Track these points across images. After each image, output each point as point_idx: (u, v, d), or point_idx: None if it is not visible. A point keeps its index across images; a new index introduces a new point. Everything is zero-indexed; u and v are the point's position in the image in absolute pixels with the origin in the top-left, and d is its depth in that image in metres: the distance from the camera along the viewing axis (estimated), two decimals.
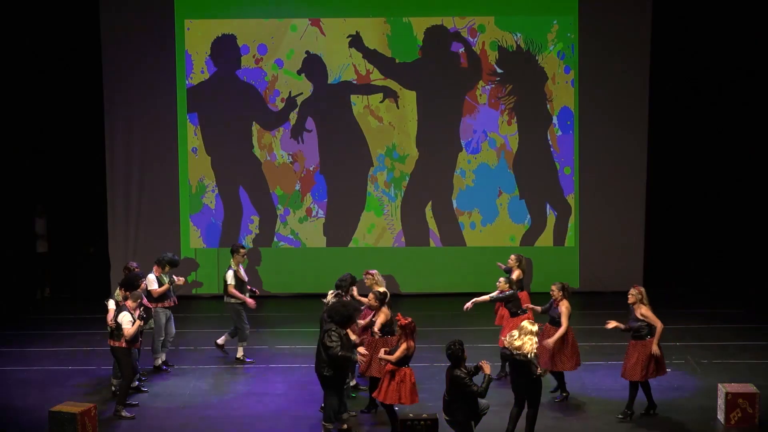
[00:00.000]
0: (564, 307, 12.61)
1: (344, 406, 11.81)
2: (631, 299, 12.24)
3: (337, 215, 19.10)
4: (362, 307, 13.02)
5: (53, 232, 19.23)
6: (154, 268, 14.30)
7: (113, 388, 13.08)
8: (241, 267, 14.77)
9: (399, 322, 11.56)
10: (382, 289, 12.92)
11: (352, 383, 13.20)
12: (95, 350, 15.12)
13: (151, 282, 14.15)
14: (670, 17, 18.39)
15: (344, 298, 12.91)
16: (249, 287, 14.77)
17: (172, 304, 14.34)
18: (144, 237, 18.99)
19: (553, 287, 12.77)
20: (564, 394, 12.85)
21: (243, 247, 15.02)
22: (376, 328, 12.36)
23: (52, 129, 18.83)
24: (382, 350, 11.67)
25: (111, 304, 12.90)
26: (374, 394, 11.84)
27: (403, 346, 11.43)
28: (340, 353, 11.29)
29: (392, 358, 11.40)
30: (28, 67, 18.60)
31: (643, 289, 12.32)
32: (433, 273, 19.03)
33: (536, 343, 11.15)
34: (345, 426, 11.74)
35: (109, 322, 12.61)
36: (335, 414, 11.61)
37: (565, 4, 18.61)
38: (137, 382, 13.23)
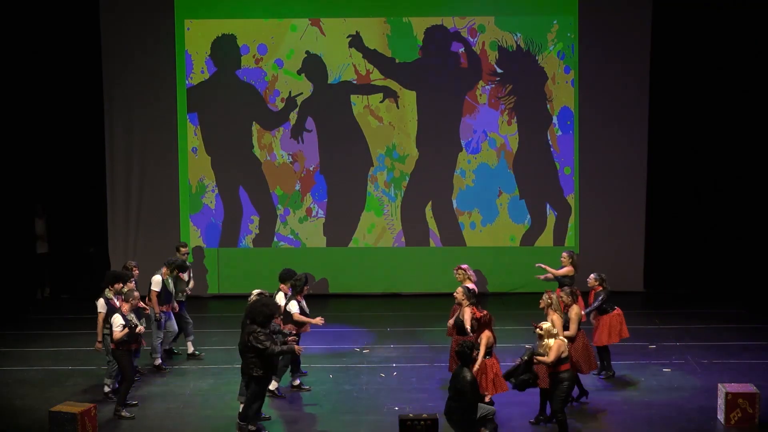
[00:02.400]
0: (574, 313, 12.62)
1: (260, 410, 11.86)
2: (541, 304, 12.20)
3: (337, 215, 19.10)
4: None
5: (53, 232, 19.22)
6: (163, 269, 14.30)
7: (106, 389, 13.06)
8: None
9: (475, 316, 11.82)
10: (471, 285, 12.95)
11: (296, 383, 13.34)
12: (95, 350, 15.08)
13: (156, 283, 14.14)
14: (670, 17, 18.38)
15: (298, 298, 13.12)
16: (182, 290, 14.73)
17: (170, 309, 14.35)
18: (144, 237, 18.99)
19: (562, 293, 12.73)
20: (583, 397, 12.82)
21: (184, 246, 15.18)
22: (467, 326, 12.31)
23: (52, 129, 18.82)
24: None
25: (101, 306, 12.91)
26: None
27: (485, 338, 11.60)
28: (277, 349, 11.43)
29: (482, 350, 11.58)
30: (28, 67, 18.59)
31: (554, 296, 12.24)
32: (433, 273, 19.02)
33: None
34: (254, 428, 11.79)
35: (100, 324, 12.68)
36: (254, 415, 11.67)
37: (565, 4, 18.61)
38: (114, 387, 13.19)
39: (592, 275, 13.81)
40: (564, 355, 11.15)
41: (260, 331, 11.45)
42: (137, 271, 14.21)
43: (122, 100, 18.78)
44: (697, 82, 18.48)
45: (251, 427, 11.69)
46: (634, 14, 18.46)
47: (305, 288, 13.39)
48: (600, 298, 13.58)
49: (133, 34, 18.60)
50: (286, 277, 13.56)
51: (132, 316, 12.54)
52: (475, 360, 10.84)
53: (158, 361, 14.32)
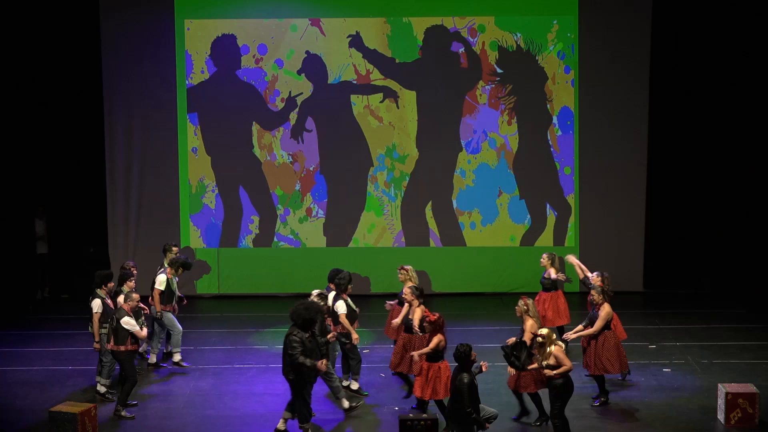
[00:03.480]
0: (604, 311, 12.58)
1: (309, 410, 11.77)
2: (517, 311, 12.18)
3: (337, 215, 19.10)
4: (356, 309, 13.02)
5: (53, 232, 19.22)
6: (168, 269, 14.30)
7: (102, 389, 13.07)
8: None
9: (428, 318, 11.76)
10: (413, 285, 12.98)
11: (347, 383, 13.21)
12: (94, 350, 15.08)
13: (160, 282, 14.14)
14: (670, 17, 18.38)
15: (343, 296, 12.93)
16: (178, 294, 14.65)
17: (170, 309, 14.36)
18: (144, 237, 18.99)
19: (593, 292, 12.76)
20: (603, 399, 12.75)
21: (175, 246, 15.09)
22: (416, 325, 12.38)
23: (52, 129, 18.81)
24: (415, 353, 11.79)
25: (96, 307, 12.92)
26: (414, 392, 11.89)
27: (435, 340, 11.55)
28: (298, 360, 11.28)
29: (427, 349, 11.55)
30: (28, 67, 18.58)
31: (530, 302, 12.18)
32: (433, 273, 19.02)
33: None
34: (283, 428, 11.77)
35: (96, 325, 12.70)
36: (310, 416, 11.67)
37: (565, 4, 18.61)
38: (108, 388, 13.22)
39: (595, 273, 13.80)
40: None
41: (296, 335, 11.37)
42: (136, 272, 14.21)
43: (122, 100, 18.78)
44: (697, 82, 18.48)
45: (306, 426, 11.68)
46: (634, 14, 18.46)
47: (349, 286, 13.19)
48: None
49: (133, 34, 18.60)
50: (332, 276, 13.43)
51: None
52: (473, 362, 10.84)
53: (153, 359, 14.31)
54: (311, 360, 11.33)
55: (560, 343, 11.28)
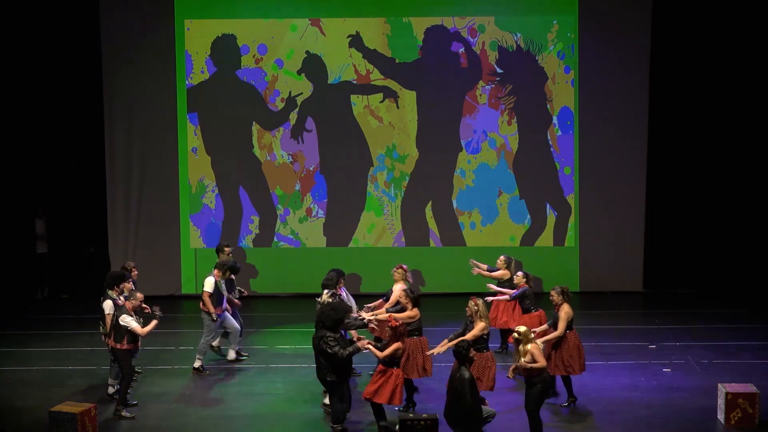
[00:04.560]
0: (563, 312, 12.53)
1: (348, 406, 11.75)
2: (468, 312, 12.12)
3: (337, 215, 19.10)
4: (355, 311, 13.03)
5: (53, 232, 19.22)
6: (215, 271, 14.29)
7: (110, 390, 13.05)
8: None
9: (390, 323, 11.63)
10: (405, 286, 13.00)
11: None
12: (95, 350, 15.12)
13: (209, 284, 14.12)
14: (670, 17, 18.38)
15: (335, 297, 12.95)
16: (237, 287, 14.71)
17: (222, 311, 14.32)
18: (144, 237, 18.99)
19: (553, 292, 12.67)
20: (571, 399, 12.75)
21: (228, 246, 15.07)
22: (399, 315, 12.25)
23: (52, 129, 18.81)
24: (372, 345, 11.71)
25: (108, 308, 12.91)
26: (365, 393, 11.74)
27: (393, 347, 11.46)
28: (345, 353, 11.24)
29: (382, 354, 11.43)
30: (28, 67, 18.59)
31: (480, 302, 12.08)
32: (433, 273, 19.02)
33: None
34: (340, 428, 11.70)
35: (109, 325, 12.69)
36: (343, 416, 11.61)
37: (565, 4, 18.61)
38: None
39: (519, 272, 13.91)
40: (540, 360, 11.14)
41: (330, 335, 11.35)
42: (136, 272, 14.20)
43: (122, 100, 18.78)
44: (697, 82, 18.48)
45: (338, 427, 11.63)
46: (634, 14, 18.47)
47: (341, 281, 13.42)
48: (520, 290, 13.58)
49: (133, 34, 18.61)
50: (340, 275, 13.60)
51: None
52: (472, 360, 10.85)
53: (198, 363, 14.24)
54: (355, 346, 11.29)
55: (538, 341, 11.30)
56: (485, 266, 15.12)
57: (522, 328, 11.27)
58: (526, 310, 13.83)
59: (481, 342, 11.86)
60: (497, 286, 14.57)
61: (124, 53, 18.63)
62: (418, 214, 19.09)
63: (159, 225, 18.92)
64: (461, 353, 10.68)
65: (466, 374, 10.55)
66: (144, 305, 13.49)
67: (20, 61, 18.55)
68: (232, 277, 14.58)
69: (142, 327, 12.45)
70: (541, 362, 11.06)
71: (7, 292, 18.65)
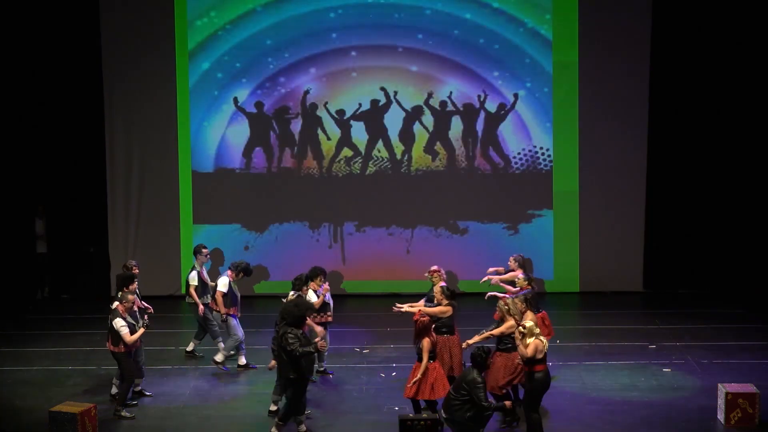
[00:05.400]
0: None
1: (303, 408, 11.82)
2: (497, 314, 12.09)
3: None
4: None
5: (53, 232, 19.21)
6: (228, 272, 14.31)
7: (114, 390, 13.04)
8: (204, 268, 14.83)
9: (414, 317, 11.85)
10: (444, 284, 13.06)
11: (321, 369, 13.57)
12: (95, 350, 15.11)
13: (223, 285, 14.12)
14: (670, 17, 18.37)
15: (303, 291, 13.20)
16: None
17: (236, 312, 14.33)
18: (144, 237, 18.99)
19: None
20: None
21: (205, 248, 15.06)
22: (429, 310, 12.36)
23: (52, 129, 18.81)
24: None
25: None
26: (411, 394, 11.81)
27: (425, 342, 11.59)
28: (300, 351, 11.30)
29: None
30: (28, 67, 18.58)
31: (510, 301, 11.96)
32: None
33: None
34: (303, 428, 11.75)
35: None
36: (293, 416, 11.67)
37: (565, 3, 18.59)
38: (139, 386, 13.20)
39: (521, 275, 13.78)
40: (540, 356, 11.17)
41: (291, 332, 11.41)
42: (137, 270, 14.20)
43: (122, 100, 18.77)
44: (698, 81, 18.46)
45: (302, 428, 11.70)
46: (634, 14, 18.43)
47: (310, 283, 13.58)
48: (522, 293, 13.55)
49: (133, 34, 18.59)
50: (313, 275, 13.69)
51: (128, 318, 12.50)
52: (489, 366, 10.99)
53: (243, 360, 14.27)
54: (312, 346, 11.40)
55: (542, 338, 11.32)
56: (502, 269, 14.93)
57: (529, 323, 11.31)
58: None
59: (508, 341, 11.82)
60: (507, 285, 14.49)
61: (124, 53, 18.62)
62: (419, 213, 19.13)
63: (159, 225, 18.92)
64: (480, 358, 10.78)
65: (477, 378, 10.66)
66: (146, 305, 13.53)
67: (20, 60, 18.54)
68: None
69: (136, 330, 12.43)
70: (528, 353, 11.07)
71: (7, 292, 18.64)
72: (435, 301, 12.70)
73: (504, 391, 11.92)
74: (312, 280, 13.68)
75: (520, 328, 11.31)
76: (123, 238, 18.99)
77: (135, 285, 13.30)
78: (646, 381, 13.65)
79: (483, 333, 12.06)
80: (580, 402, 12.77)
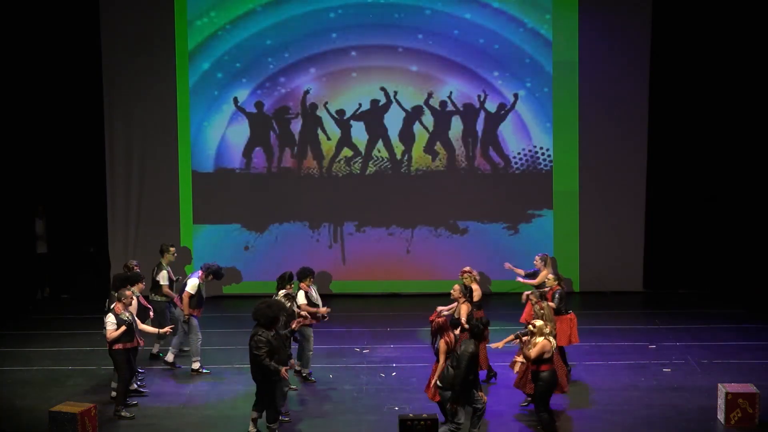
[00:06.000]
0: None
1: (281, 409, 11.83)
2: (533, 314, 12.14)
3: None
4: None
5: (53, 232, 19.21)
6: (199, 273, 14.32)
7: (113, 393, 13.03)
8: (169, 267, 14.86)
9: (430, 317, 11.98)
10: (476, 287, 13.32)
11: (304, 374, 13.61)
12: (95, 350, 15.12)
13: (192, 286, 14.12)
14: (670, 17, 18.38)
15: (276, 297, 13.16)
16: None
17: (200, 314, 14.38)
18: (144, 237, 18.99)
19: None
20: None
21: (173, 246, 15.08)
22: (463, 320, 12.56)
23: (52, 129, 18.81)
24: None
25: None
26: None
27: (441, 343, 11.59)
28: (264, 361, 11.29)
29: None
30: (28, 66, 18.58)
31: (546, 305, 11.99)
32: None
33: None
34: (275, 426, 11.79)
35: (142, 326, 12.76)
36: (277, 415, 11.72)
37: (565, 3, 18.59)
38: (136, 384, 13.21)
39: (550, 275, 13.86)
40: (547, 356, 11.19)
41: (262, 334, 11.41)
42: (138, 270, 14.21)
43: (122, 100, 18.78)
44: (698, 81, 18.47)
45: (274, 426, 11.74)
46: (634, 14, 18.44)
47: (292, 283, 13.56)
48: (557, 295, 13.58)
49: (133, 34, 18.59)
50: (302, 274, 13.66)
51: (126, 315, 12.49)
52: (486, 338, 11.13)
53: (197, 365, 14.26)
54: (275, 365, 11.34)
55: (551, 338, 11.33)
56: (522, 272, 15.00)
57: (539, 322, 11.33)
58: (557, 312, 13.68)
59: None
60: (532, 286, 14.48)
61: (124, 53, 18.62)
62: (419, 213, 19.13)
63: (159, 225, 18.91)
64: (477, 329, 11.11)
65: (471, 347, 10.92)
66: (146, 304, 13.53)
67: (20, 60, 18.53)
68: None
69: (134, 329, 12.44)
70: (533, 353, 11.15)
71: (7, 292, 18.64)
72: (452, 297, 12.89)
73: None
74: (302, 281, 13.65)
75: (530, 326, 11.36)
76: (123, 238, 18.99)
77: (143, 285, 13.35)
78: (646, 381, 13.65)
79: (517, 337, 12.04)
80: (581, 402, 12.76)
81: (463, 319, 12.69)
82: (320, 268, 18.86)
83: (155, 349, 15.00)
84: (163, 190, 18.96)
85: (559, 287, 13.66)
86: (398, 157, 18.92)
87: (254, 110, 18.83)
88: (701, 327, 16.43)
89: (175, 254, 15.18)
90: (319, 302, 13.91)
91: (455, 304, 13.12)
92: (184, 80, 18.76)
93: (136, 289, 13.30)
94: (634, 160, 18.74)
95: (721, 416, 12.06)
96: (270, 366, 11.30)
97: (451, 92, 18.72)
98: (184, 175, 18.97)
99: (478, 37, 18.59)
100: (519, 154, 18.92)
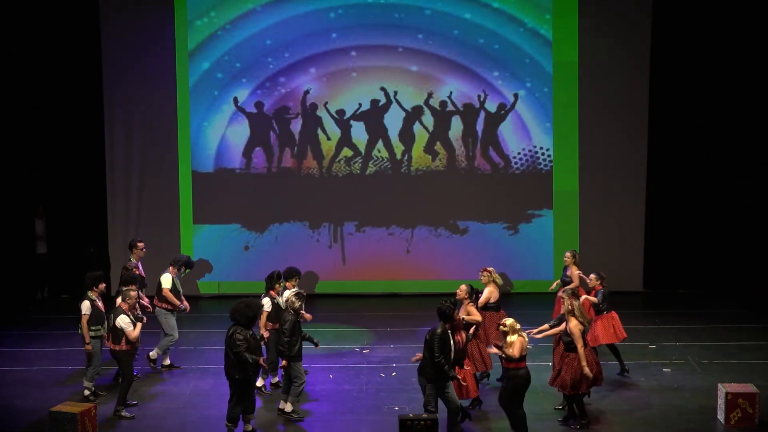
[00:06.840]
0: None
1: (252, 407, 11.79)
2: (561, 309, 12.17)
3: None
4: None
5: (53, 232, 19.21)
6: (170, 268, 14.33)
7: (86, 392, 12.98)
8: (140, 263, 14.86)
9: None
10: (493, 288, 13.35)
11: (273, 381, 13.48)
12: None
13: (167, 281, 14.15)
14: (670, 17, 18.38)
15: (271, 293, 13.25)
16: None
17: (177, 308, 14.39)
18: (144, 237, 18.88)
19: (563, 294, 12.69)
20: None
21: (141, 242, 15.09)
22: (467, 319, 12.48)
23: (53, 130, 18.81)
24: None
25: (85, 308, 12.92)
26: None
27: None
28: (244, 356, 11.33)
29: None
30: (28, 67, 18.58)
31: (576, 303, 11.99)
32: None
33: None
34: (250, 428, 11.76)
35: (85, 327, 12.70)
36: (250, 413, 11.71)
37: (565, 3, 18.60)
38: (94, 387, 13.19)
39: (592, 274, 13.86)
40: (524, 353, 11.20)
41: (241, 333, 11.45)
42: (144, 249, 14.68)
43: (122, 100, 18.78)
44: (698, 81, 18.47)
45: (249, 427, 11.71)
46: (634, 14, 18.45)
47: (277, 285, 13.55)
48: (600, 295, 13.60)
49: (133, 34, 18.60)
50: (288, 274, 13.64)
51: (131, 316, 12.52)
52: (455, 320, 11.34)
53: (167, 361, 14.32)
54: (254, 357, 11.42)
55: (524, 335, 11.33)
56: (547, 326, 14.56)
57: (509, 321, 11.34)
58: (598, 311, 13.61)
59: (571, 341, 11.77)
60: (563, 284, 14.39)
61: (124, 54, 18.62)
62: (420, 213, 19.14)
63: (159, 225, 18.91)
64: (445, 312, 11.23)
65: (439, 330, 11.14)
66: (147, 304, 13.53)
67: (20, 61, 18.53)
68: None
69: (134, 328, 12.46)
70: (515, 353, 11.15)
71: (7, 292, 18.65)
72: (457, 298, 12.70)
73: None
74: (288, 281, 13.64)
75: (501, 326, 11.34)
76: (123, 238, 18.98)
77: (135, 293, 13.38)
78: (646, 381, 13.65)
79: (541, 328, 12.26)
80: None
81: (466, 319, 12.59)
82: (320, 268, 18.91)
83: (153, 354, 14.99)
84: (163, 190, 18.97)
85: (601, 287, 13.68)
86: (398, 157, 18.93)
87: (254, 110, 18.84)
88: (701, 327, 16.44)
89: (144, 249, 15.11)
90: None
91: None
92: (184, 80, 18.76)
93: (99, 290, 13.23)
94: (634, 161, 18.74)
95: (721, 416, 12.06)
96: (249, 359, 11.36)
97: (451, 92, 18.74)
98: (184, 175, 18.97)
99: (478, 37, 18.60)
100: (519, 154, 18.93)
